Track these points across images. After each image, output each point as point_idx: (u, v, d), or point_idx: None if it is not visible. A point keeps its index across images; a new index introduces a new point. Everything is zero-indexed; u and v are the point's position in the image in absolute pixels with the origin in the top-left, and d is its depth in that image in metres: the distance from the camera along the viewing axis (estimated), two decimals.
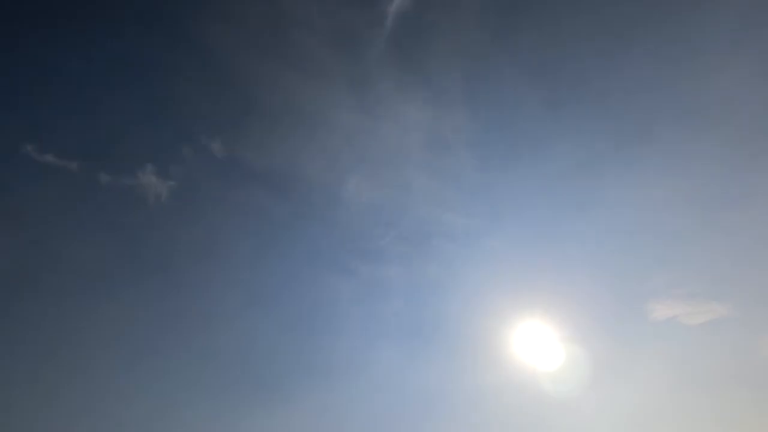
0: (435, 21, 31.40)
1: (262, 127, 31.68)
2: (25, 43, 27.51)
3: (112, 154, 29.31)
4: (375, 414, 28.32)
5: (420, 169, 33.41)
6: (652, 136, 31.40)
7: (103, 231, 28.97)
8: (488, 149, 34.12)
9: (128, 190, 28.84)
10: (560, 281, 31.83)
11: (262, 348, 29.70)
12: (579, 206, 33.25)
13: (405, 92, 32.53)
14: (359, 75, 31.65)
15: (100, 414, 24.95)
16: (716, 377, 27.75)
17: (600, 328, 29.98)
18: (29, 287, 26.57)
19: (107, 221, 29.10)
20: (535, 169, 33.94)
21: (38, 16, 27.62)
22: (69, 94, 28.87)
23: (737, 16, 29.20)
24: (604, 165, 32.72)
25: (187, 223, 30.51)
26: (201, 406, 26.74)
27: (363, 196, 32.76)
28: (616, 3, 30.70)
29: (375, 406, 28.99)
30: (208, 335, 28.77)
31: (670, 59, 30.22)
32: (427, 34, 31.74)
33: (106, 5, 28.88)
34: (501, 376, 29.37)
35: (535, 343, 29.79)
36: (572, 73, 32.52)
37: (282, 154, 31.99)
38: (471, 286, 33.06)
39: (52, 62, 28.03)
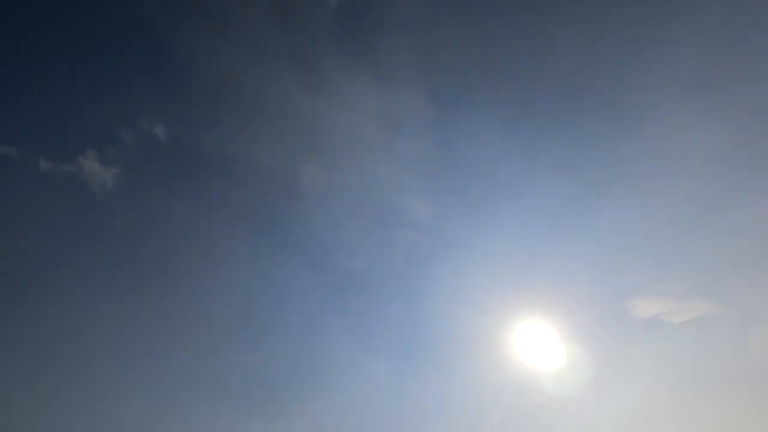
0: None
1: (205, 111, 30.08)
2: None
3: (50, 139, 28.05)
4: (370, 415, 28.00)
5: (376, 154, 31.55)
6: (639, 133, 30.68)
7: (47, 221, 27.85)
8: (449, 132, 31.96)
9: (71, 178, 27.71)
10: (538, 273, 30.82)
11: (214, 348, 28.46)
12: (558, 195, 31.72)
13: (353, 72, 30.63)
14: (304, 53, 29.95)
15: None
16: (703, 376, 27.56)
17: (583, 326, 29.28)
18: None
19: (50, 210, 27.96)
20: (504, 152, 32.00)
21: None
22: (2, 76, 27.57)
23: (735, 16, 29.19)
24: (587, 154, 31.44)
25: (134, 213, 29.32)
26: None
27: (320, 184, 31.18)
28: None
29: (363, 408, 28.65)
30: (156, 332, 27.90)
31: (667, 55, 30.06)
32: (377, 8, 30.15)
33: None
34: (478, 375, 28.92)
35: (511, 339, 29.30)
36: (550, 49, 30.20)
37: (229, 140, 30.39)
38: (444, 279, 31.85)
39: None
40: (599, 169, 31.26)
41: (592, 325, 29.25)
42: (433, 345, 30.73)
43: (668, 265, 29.74)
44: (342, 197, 31.25)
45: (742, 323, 27.99)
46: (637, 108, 30.65)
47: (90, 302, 27.54)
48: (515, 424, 27.34)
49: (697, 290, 28.93)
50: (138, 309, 27.92)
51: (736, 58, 28.98)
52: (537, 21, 29.74)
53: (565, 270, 30.60)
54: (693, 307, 28.43)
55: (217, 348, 28.37)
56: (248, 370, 28.51)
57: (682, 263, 29.59)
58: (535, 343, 28.84)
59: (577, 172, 31.56)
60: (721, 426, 25.63)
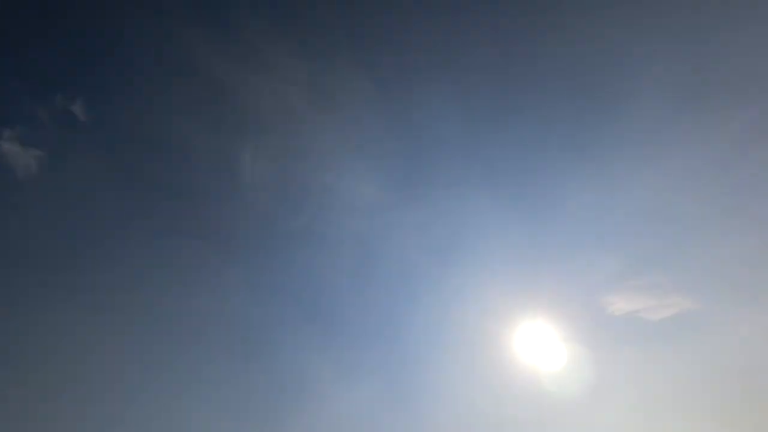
0: None
1: (123, 85, 26.75)
2: None
3: None
4: (364, 419, 25.76)
5: (313, 132, 27.94)
6: (618, 118, 27.57)
7: None
8: (389, 106, 28.12)
9: None
10: (500, 265, 28.30)
11: (138, 351, 25.39)
12: (523, 179, 28.55)
13: (279, 40, 26.83)
14: (224, 17, 26.36)
15: None
16: (683, 375, 26.38)
17: (554, 324, 27.42)
18: None
19: None
20: (460, 132, 28.15)
21: None
22: None
23: (735, 15, 28.02)
24: (559, 136, 28.08)
25: (56, 197, 26.00)
26: None
27: (260, 167, 27.42)
28: None
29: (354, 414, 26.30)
30: (76, 325, 24.71)
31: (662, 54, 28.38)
32: None
33: None
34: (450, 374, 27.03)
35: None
36: (498, 21, 26.50)
37: (153, 116, 26.80)
38: (394, 270, 28.82)
39: None
40: (572, 155, 28.24)
41: (564, 323, 27.36)
42: (380, 341, 28.05)
43: (643, 259, 28.00)
44: (281, 179, 27.88)
45: (723, 320, 26.81)
46: (619, 96, 28.23)
47: (12, 294, 24.54)
48: (488, 423, 25.63)
49: (675, 286, 27.53)
50: (64, 301, 25.12)
51: (736, 57, 27.74)
52: None
53: (531, 262, 28.20)
54: (672, 303, 27.07)
55: (135, 344, 25.34)
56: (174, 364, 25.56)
57: (657, 257, 27.93)
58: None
59: (547, 155, 28.42)
60: (705, 426, 24.54)
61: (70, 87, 25.97)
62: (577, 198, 28.06)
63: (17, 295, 24.51)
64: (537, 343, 26.83)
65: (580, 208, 28.07)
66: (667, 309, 26.97)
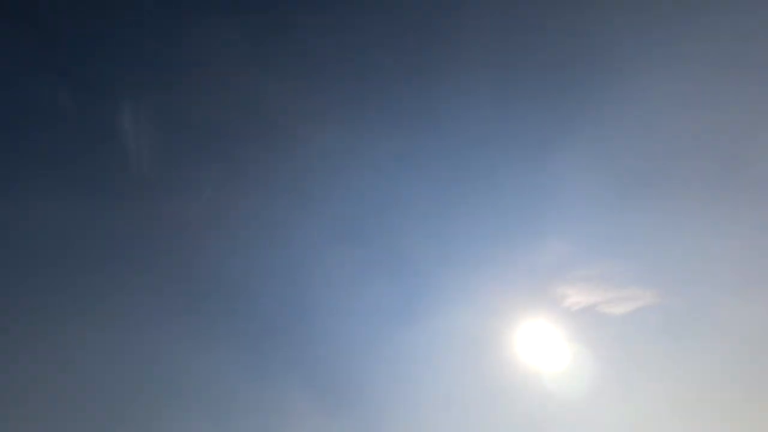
0: None
1: None
2: None
3: None
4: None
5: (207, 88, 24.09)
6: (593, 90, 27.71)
7: None
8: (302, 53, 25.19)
9: None
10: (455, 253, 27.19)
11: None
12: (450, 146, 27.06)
13: None
14: None
15: None
16: (650, 375, 25.78)
17: (505, 318, 26.50)
18: None
19: None
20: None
21: None
22: None
23: (735, 21, 28.29)
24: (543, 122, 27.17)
25: None
26: None
27: (147, 126, 21.64)
28: None
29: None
30: None
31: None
32: None
33: None
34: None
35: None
36: None
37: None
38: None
39: None
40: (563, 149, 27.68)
41: (515, 317, 26.34)
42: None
43: (591, 246, 26.96)
44: (180, 145, 23.20)
45: (690, 315, 26.26)
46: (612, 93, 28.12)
47: None
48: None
49: (632, 277, 26.68)
50: None
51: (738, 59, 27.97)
52: None
53: (469, 244, 26.63)
54: (632, 296, 26.16)
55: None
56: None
57: (616, 245, 26.97)
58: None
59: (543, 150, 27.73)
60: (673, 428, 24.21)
61: None
62: (558, 184, 26.98)
63: None
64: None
65: (529, 190, 26.70)
66: (627, 303, 25.99)
